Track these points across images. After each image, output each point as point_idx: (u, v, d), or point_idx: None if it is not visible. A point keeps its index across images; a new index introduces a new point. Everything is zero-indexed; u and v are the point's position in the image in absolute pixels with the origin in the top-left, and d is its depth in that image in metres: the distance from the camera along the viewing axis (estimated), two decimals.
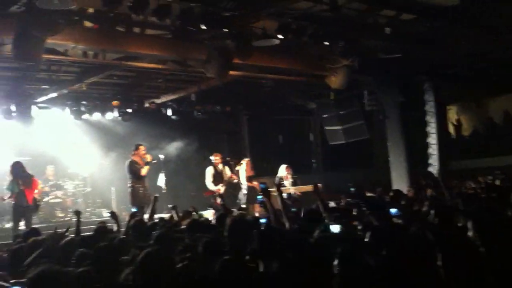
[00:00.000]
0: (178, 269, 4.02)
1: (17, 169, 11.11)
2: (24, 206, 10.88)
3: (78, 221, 7.35)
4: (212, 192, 12.95)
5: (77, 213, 7.56)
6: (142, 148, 11.85)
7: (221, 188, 12.72)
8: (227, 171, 13.18)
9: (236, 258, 4.14)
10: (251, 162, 13.85)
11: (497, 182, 10.80)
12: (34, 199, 11.09)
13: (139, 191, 11.52)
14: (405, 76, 13.00)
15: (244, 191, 13.37)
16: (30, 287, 3.36)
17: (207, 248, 4.80)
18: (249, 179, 13.42)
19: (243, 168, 13.56)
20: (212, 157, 13.21)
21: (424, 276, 3.45)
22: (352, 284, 3.47)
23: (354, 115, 15.08)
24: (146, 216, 9.45)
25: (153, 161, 12.00)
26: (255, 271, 4.26)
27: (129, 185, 11.64)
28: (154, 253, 4.02)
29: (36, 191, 11.24)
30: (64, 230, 7.13)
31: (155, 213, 8.93)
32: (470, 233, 4.32)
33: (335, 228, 4.44)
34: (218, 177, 13.05)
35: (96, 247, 4.69)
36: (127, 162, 11.76)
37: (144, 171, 11.62)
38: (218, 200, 12.68)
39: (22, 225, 10.93)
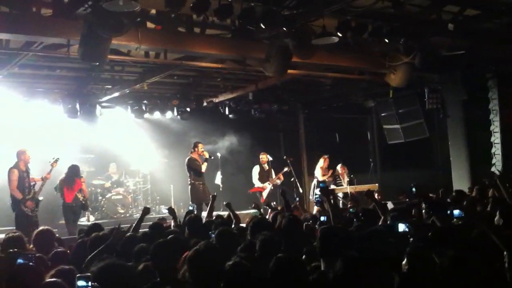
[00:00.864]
0: (228, 267, 4.03)
1: (69, 171, 11.53)
2: (67, 205, 11.35)
3: (141, 219, 7.51)
4: (258, 188, 13.16)
5: (145, 211, 7.68)
6: (200, 145, 12.23)
7: (267, 186, 12.90)
8: (273, 173, 13.53)
9: (292, 256, 4.13)
10: (328, 160, 13.89)
11: None
12: (76, 199, 11.38)
13: (199, 188, 11.83)
14: (469, 74, 12.64)
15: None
16: (95, 280, 3.46)
17: (263, 246, 4.82)
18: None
19: (320, 164, 13.71)
20: (260, 156, 13.65)
21: (489, 277, 3.36)
22: (420, 282, 3.43)
23: (413, 113, 14.77)
24: (204, 214, 9.61)
25: (211, 158, 12.26)
26: (315, 270, 4.25)
27: (189, 181, 11.92)
28: (202, 251, 4.03)
29: (78, 191, 11.49)
30: (127, 226, 7.34)
31: (213, 211, 9.05)
32: None
33: (401, 227, 4.37)
34: (264, 176, 13.37)
35: (154, 243, 4.77)
36: (187, 160, 12.08)
37: (204, 167, 11.96)
38: (264, 197, 12.99)
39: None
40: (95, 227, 7.23)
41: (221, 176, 14.08)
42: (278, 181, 13.45)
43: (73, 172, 11.57)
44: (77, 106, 12.71)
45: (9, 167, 10.34)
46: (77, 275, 3.39)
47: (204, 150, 12.31)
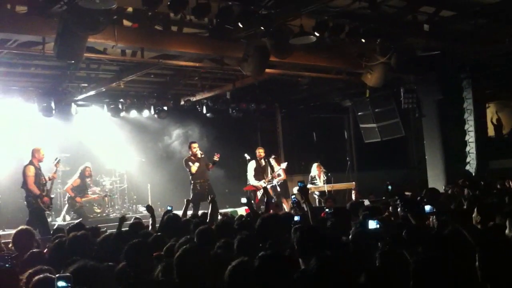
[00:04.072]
0: (214, 259, 4.02)
1: None
2: None
3: (153, 216, 7.75)
4: (253, 187, 12.86)
5: (150, 209, 8.02)
6: (193, 145, 12.10)
7: (263, 184, 12.58)
8: (269, 170, 12.99)
9: (276, 254, 4.13)
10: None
11: None
12: None
13: (196, 187, 11.80)
14: (444, 74, 12.81)
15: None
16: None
17: (241, 245, 4.84)
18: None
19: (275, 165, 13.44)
20: (256, 151, 13.11)
21: (461, 275, 3.40)
22: (392, 280, 3.47)
23: (389, 113, 14.95)
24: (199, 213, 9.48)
25: (201, 156, 12.05)
26: (296, 268, 4.28)
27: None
28: (192, 250, 4.02)
29: None
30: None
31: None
32: (507, 231, 4.25)
33: (372, 224, 4.40)
34: (260, 172, 12.94)
35: (128, 244, 4.74)
36: (183, 161, 12.10)
37: (193, 168, 11.84)
38: (259, 196, 12.64)
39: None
40: (78, 226, 7.19)
41: None
42: (274, 181, 12.95)
43: None
44: (52, 104, 12.56)
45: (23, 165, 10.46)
46: (57, 275, 3.32)
47: (198, 149, 12.05)
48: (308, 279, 3.59)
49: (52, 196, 10.85)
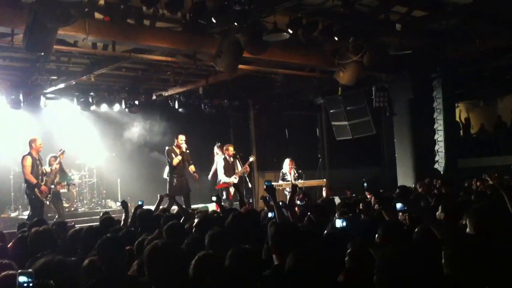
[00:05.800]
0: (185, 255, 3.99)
1: None
2: None
3: (127, 212, 7.67)
4: (225, 184, 12.79)
5: (125, 205, 7.93)
6: (180, 137, 11.90)
7: (234, 180, 12.53)
8: (238, 164, 12.89)
9: (249, 249, 4.12)
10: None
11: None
12: None
13: (173, 181, 11.63)
14: (416, 73, 12.96)
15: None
16: (36, 278, 3.36)
17: (213, 241, 4.81)
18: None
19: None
20: (224, 148, 12.98)
21: (430, 274, 3.43)
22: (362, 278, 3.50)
23: (361, 111, 15.04)
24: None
25: (186, 151, 11.87)
26: (268, 264, 4.27)
27: (166, 174, 11.84)
28: (162, 245, 3.97)
29: None
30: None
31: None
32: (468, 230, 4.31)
33: (338, 223, 4.43)
34: (229, 169, 12.83)
35: (101, 238, 4.69)
36: (165, 150, 11.92)
37: (176, 160, 11.68)
38: (232, 193, 12.59)
39: None
40: (39, 221, 7.07)
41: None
42: (245, 174, 12.81)
43: None
44: (21, 97, 12.35)
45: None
46: (19, 271, 3.26)
47: (183, 143, 11.83)
48: (284, 275, 3.59)
49: (52, 186, 10.90)
